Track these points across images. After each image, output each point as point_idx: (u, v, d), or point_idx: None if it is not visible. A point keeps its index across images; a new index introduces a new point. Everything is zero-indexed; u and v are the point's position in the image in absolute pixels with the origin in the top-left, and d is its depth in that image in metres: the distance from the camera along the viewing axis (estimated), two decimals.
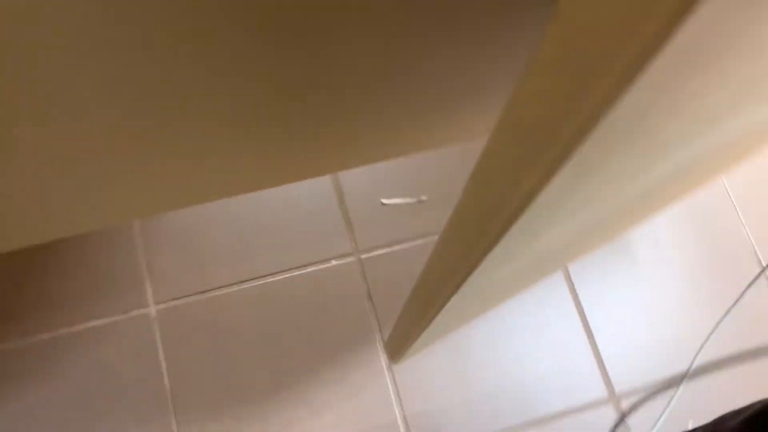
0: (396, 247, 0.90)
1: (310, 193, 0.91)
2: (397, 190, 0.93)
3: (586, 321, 0.89)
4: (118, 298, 0.84)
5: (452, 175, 0.94)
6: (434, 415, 0.82)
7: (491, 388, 0.85)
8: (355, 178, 0.92)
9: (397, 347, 0.54)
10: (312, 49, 0.28)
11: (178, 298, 0.85)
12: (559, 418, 0.84)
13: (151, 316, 0.84)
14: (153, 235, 0.88)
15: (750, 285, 0.92)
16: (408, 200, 0.92)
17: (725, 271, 0.94)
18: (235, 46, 0.26)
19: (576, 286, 0.90)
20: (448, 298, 0.31)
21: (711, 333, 0.90)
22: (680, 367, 0.88)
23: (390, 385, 0.84)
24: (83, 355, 0.81)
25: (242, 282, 0.87)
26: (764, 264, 0.95)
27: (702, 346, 0.89)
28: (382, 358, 0.85)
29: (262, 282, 0.87)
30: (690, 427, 0.86)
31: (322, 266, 0.88)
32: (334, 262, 0.88)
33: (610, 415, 0.85)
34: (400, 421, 0.82)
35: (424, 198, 0.92)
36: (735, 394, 0.87)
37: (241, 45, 0.26)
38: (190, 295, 0.86)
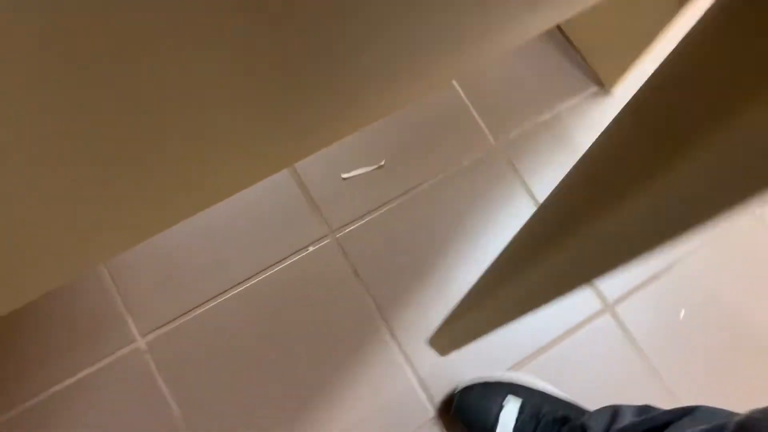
0: (368, 218, 0.89)
1: (268, 188, 0.88)
2: (354, 162, 0.91)
3: None
4: (103, 341, 0.81)
5: (401, 134, 0.93)
6: (446, 369, 0.83)
7: (500, 333, 0.86)
8: (310, 160, 0.90)
9: (457, 343, 0.52)
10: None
11: (163, 325, 0.83)
12: (562, 339, 0.86)
13: (141, 350, 0.81)
14: (120, 269, 0.84)
15: None
16: (367, 169, 0.91)
17: None
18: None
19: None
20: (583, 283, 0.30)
21: None
22: (662, 262, 0.92)
23: (399, 354, 0.84)
24: (83, 406, 0.78)
25: (224, 292, 0.84)
26: None
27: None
28: (385, 330, 0.85)
29: (244, 287, 0.85)
30: (681, 317, 0.90)
31: (300, 255, 0.87)
32: (311, 248, 0.87)
33: (609, 324, 0.88)
34: (417, 385, 0.83)
35: (382, 163, 0.91)
36: (716, 276, 0.92)
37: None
38: (175, 319, 0.83)
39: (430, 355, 0.84)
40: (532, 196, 0.92)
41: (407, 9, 0.35)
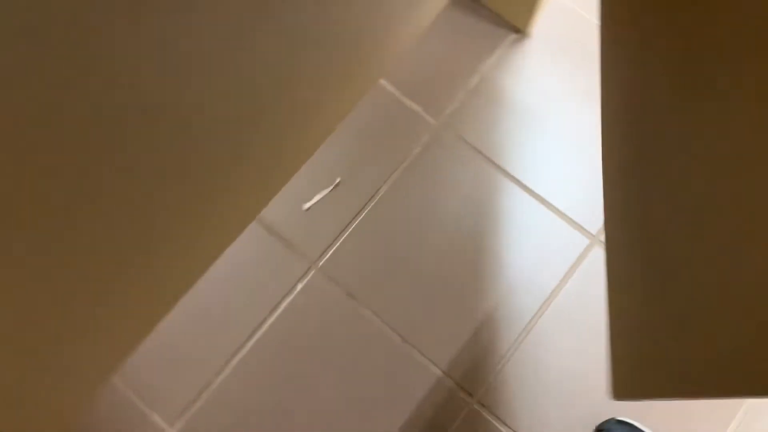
0: (342, 237, 0.90)
1: (239, 245, 0.89)
2: (310, 191, 0.92)
3: (536, 194, 0.92)
4: None
5: (345, 147, 0.94)
6: (467, 350, 0.85)
7: (500, 298, 0.87)
8: (269, 205, 0.91)
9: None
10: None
11: (188, 408, 0.83)
12: (565, 281, 0.88)
13: None
14: (128, 370, 0.85)
15: None
16: (325, 192, 0.91)
17: None
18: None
19: (510, 171, 0.93)
20: None
21: None
22: None
23: (418, 355, 0.85)
24: None
25: (232, 357, 0.85)
26: None
27: None
28: (396, 337, 0.86)
29: (249, 345, 0.86)
30: None
31: (291, 296, 0.87)
32: (299, 286, 0.88)
33: (601, 254, 0.89)
34: (444, 378, 0.84)
35: (338, 181, 0.92)
36: None
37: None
38: (197, 398, 0.84)
39: (444, 342, 0.85)
40: (489, 160, 0.93)
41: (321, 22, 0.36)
